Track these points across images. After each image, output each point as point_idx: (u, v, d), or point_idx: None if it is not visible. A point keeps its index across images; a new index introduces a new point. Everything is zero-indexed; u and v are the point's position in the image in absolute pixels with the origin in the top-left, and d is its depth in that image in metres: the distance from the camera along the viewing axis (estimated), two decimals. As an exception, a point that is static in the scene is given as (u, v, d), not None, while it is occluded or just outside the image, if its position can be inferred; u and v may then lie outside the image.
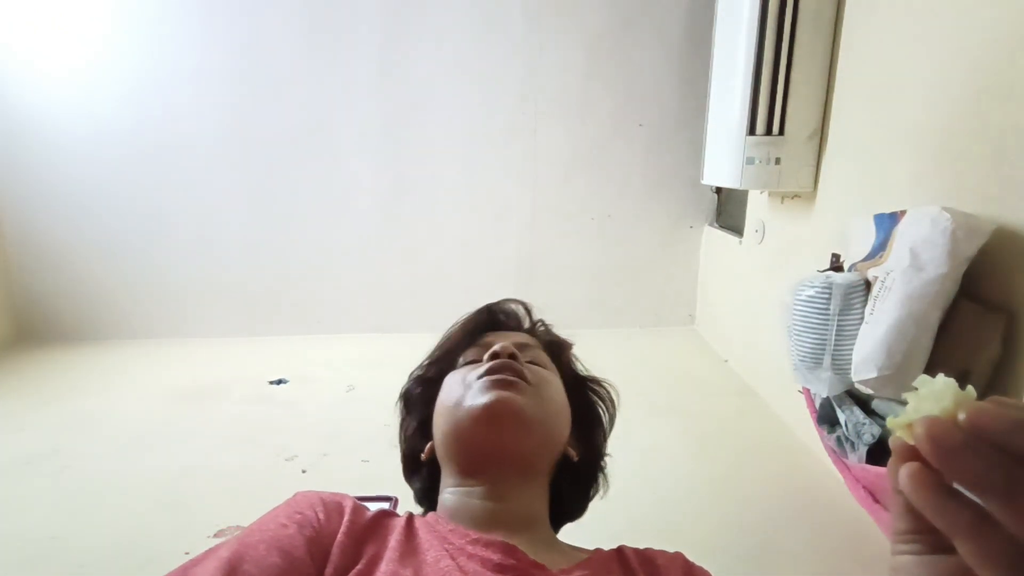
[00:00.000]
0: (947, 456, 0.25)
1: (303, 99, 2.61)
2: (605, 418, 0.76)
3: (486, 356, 0.64)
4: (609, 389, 0.78)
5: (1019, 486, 0.24)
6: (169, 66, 2.54)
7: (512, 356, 0.64)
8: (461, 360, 0.69)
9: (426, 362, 0.75)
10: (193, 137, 2.61)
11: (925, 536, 0.29)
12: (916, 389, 0.29)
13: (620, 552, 0.59)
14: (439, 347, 0.75)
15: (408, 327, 2.74)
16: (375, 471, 1.66)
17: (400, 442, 0.74)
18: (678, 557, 0.60)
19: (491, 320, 0.76)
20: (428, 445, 0.67)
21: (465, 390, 0.62)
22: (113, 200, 2.65)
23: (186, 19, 2.50)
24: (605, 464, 0.75)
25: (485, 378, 0.61)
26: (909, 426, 0.28)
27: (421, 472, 0.71)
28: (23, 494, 1.61)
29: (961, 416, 0.26)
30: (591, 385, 0.77)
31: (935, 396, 0.28)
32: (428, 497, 0.70)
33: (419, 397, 0.73)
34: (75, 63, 2.51)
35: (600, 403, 0.76)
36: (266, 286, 2.80)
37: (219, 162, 2.65)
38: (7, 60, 2.49)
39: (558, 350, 0.76)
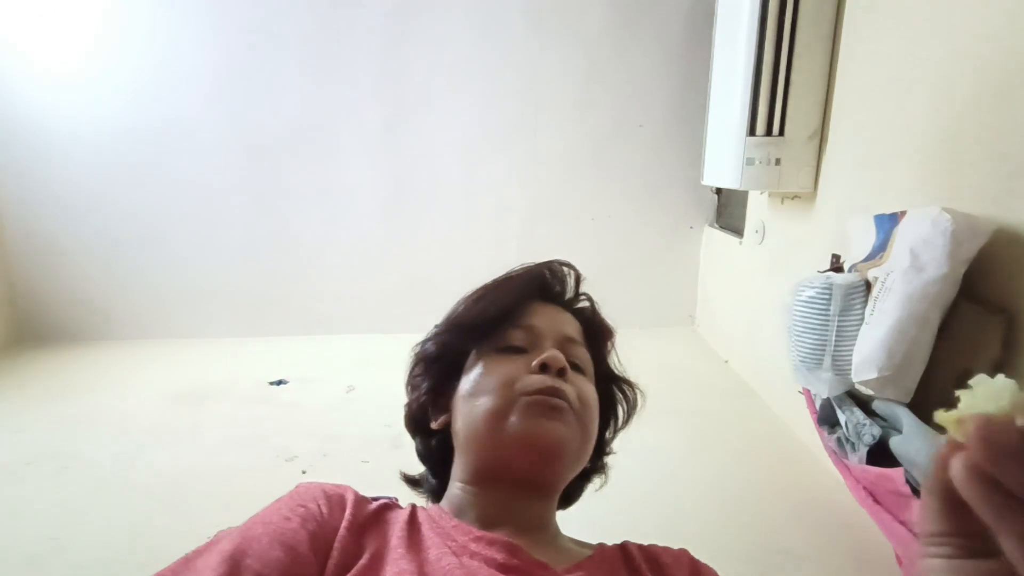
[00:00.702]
0: (1000, 457, 0.25)
1: (303, 100, 2.61)
2: (623, 418, 0.74)
3: (535, 364, 0.59)
4: (639, 395, 0.74)
5: None
6: (170, 67, 2.54)
7: (561, 371, 0.59)
8: (500, 340, 0.63)
9: (457, 322, 0.66)
10: (193, 138, 2.61)
11: (959, 539, 0.28)
12: (970, 387, 0.28)
13: (624, 549, 0.58)
14: (476, 309, 0.66)
15: (408, 328, 2.70)
16: (375, 472, 1.66)
17: (406, 392, 0.70)
18: (683, 555, 0.59)
19: (539, 287, 0.69)
20: (441, 418, 0.64)
21: (505, 402, 0.57)
22: (113, 200, 2.65)
23: (187, 21, 2.50)
24: (607, 462, 0.73)
25: (532, 399, 0.57)
26: (960, 421, 0.27)
27: (428, 440, 0.68)
28: (23, 494, 1.61)
29: (1020, 421, 0.25)
30: (623, 386, 0.74)
31: (992, 395, 0.27)
32: (432, 463, 0.69)
33: (441, 362, 0.67)
34: (76, 63, 2.50)
35: (624, 403, 0.74)
36: (266, 286, 2.80)
37: (219, 162, 2.65)
38: (7, 60, 2.49)
39: (598, 337, 0.72)
